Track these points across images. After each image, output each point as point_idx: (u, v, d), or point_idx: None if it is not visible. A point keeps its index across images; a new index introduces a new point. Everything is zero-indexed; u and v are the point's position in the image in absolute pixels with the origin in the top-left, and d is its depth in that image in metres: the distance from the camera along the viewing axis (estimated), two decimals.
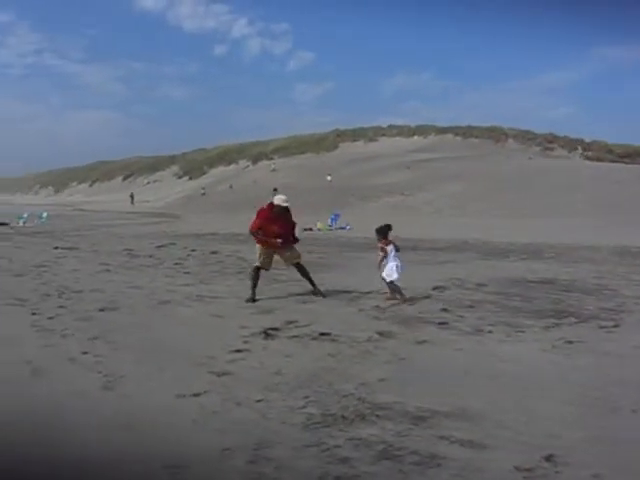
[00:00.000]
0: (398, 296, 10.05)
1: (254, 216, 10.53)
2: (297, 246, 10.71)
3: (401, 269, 10.01)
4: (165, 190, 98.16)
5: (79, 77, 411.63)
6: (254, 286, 10.38)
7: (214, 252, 17.76)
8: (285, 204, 10.37)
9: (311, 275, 10.77)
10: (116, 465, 4.17)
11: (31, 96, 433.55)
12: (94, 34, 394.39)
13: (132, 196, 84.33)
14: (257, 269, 10.50)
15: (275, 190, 37.89)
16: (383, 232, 10.20)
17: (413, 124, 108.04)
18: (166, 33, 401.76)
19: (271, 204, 10.42)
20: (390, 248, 10.08)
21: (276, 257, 10.65)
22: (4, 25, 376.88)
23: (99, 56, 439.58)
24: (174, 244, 21.71)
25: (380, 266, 10.14)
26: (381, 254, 10.10)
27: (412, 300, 9.98)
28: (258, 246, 10.49)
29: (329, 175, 58.94)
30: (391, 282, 10.05)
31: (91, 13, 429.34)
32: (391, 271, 9.98)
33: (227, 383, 5.88)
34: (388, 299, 10.07)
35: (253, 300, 10.13)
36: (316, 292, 10.59)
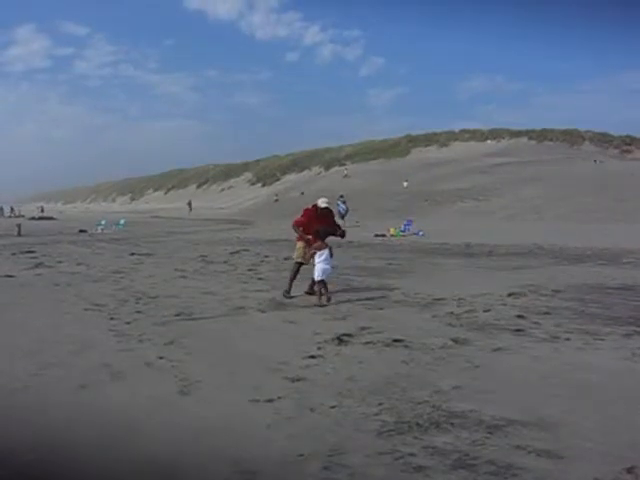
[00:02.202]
0: (319, 294, 10.50)
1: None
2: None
3: (329, 272, 10.67)
4: (238, 197, 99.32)
5: (155, 87, 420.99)
6: (293, 280, 11.16)
7: (287, 258, 17.67)
8: (324, 205, 11.42)
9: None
10: (190, 468, 4.25)
11: (108, 106, 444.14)
12: (169, 44, 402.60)
13: (190, 204, 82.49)
14: (299, 265, 11.22)
15: (341, 196, 37.90)
16: (322, 235, 10.88)
17: (486, 128, 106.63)
18: (239, 42, 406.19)
19: (315, 205, 11.46)
20: (325, 252, 10.61)
21: None
22: (81, 38, 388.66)
23: (174, 66, 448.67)
24: (247, 250, 22.03)
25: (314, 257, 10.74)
26: (312, 252, 10.71)
27: (331, 302, 10.37)
28: (299, 243, 11.26)
29: (406, 181, 58.49)
30: (320, 281, 10.50)
31: (166, 24, 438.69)
32: (319, 272, 10.49)
33: (301, 389, 5.91)
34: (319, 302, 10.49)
35: (288, 293, 11.04)
36: (311, 292, 11.19)
